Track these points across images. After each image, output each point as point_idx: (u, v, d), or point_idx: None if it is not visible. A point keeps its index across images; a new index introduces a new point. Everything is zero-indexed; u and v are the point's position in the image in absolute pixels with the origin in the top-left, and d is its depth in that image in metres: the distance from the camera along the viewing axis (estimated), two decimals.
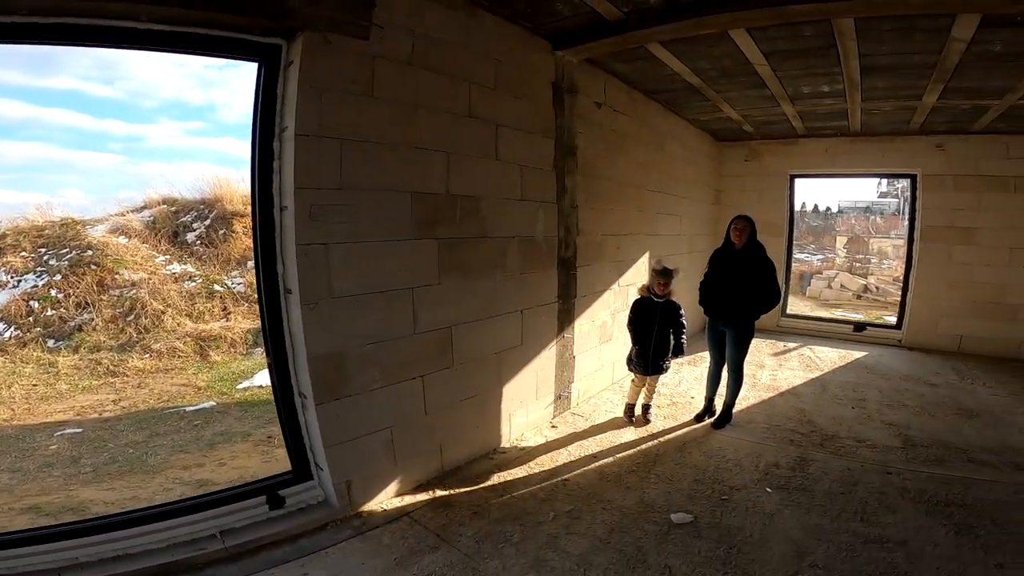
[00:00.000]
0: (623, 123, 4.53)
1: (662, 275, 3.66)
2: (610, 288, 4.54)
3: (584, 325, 4.18)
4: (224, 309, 8.05)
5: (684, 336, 3.76)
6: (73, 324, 7.27)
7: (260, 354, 7.09)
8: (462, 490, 2.89)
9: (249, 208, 9.74)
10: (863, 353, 5.93)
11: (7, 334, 7.07)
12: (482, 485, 2.94)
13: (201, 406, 5.24)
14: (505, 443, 3.45)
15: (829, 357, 5.77)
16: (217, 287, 8.36)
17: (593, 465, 3.21)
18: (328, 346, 2.41)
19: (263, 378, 6.08)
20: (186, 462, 3.88)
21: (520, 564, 2.26)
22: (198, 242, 9.38)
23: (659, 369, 3.75)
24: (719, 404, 3.94)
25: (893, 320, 7.01)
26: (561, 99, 3.69)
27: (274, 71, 2.32)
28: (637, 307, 3.75)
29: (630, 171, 4.72)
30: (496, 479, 3.01)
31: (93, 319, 7.31)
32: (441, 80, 2.83)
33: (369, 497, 2.68)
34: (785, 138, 6.66)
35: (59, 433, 4.60)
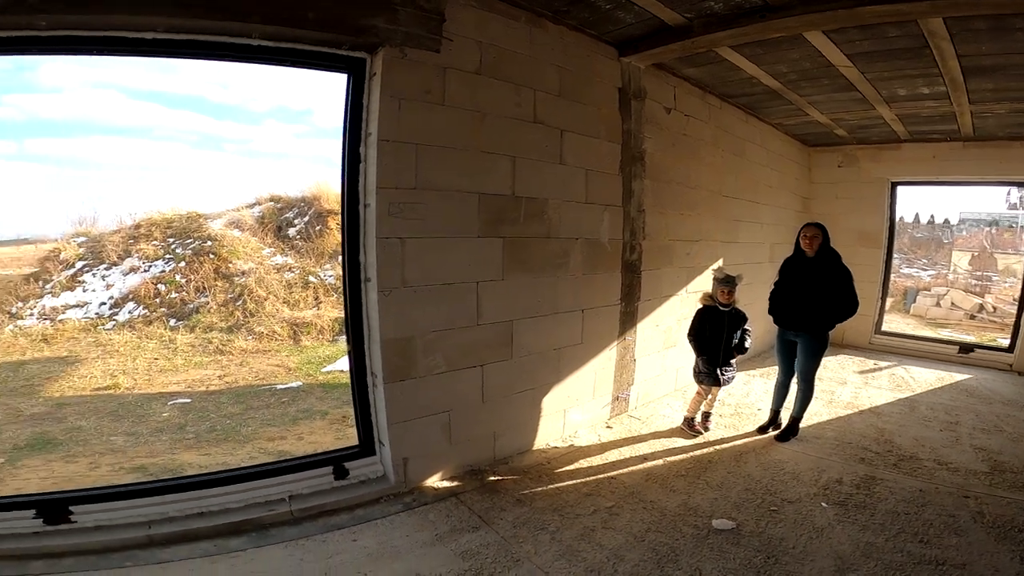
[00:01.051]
0: (696, 128, 4.45)
1: (725, 283, 3.57)
2: (677, 294, 4.48)
3: (647, 329, 4.16)
4: (316, 299, 8.81)
5: (749, 341, 3.67)
6: (192, 306, 8.31)
7: (344, 341, 7.68)
8: (509, 478, 2.99)
9: (340, 206, 10.70)
10: (965, 376, 5.36)
11: (136, 312, 8.23)
12: (529, 475, 3.03)
13: (290, 385, 5.82)
14: (557, 438, 3.51)
15: (924, 378, 5.29)
16: (311, 278, 9.15)
17: (641, 466, 3.21)
18: (398, 331, 2.65)
19: (345, 363, 6.60)
20: (271, 434, 4.32)
21: (552, 551, 2.34)
22: (298, 237, 10.32)
23: (726, 380, 3.67)
24: (785, 417, 3.78)
25: (1007, 343, 6.24)
26: (628, 104, 3.72)
27: (360, 82, 2.60)
28: (702, 316, 3.67)
29: (704, 176, 4.62)
30: (544, 471, 3.09)
31: (208, 302, 8.30)
32: (507, 88, 2.98)
33: (423, 476, 2.87)
34: (885, 143, 6.15)
35: (171, 402, 5.30)
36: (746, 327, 3.65)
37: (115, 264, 9.18)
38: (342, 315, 8.23)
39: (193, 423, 4.70)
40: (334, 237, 10.32)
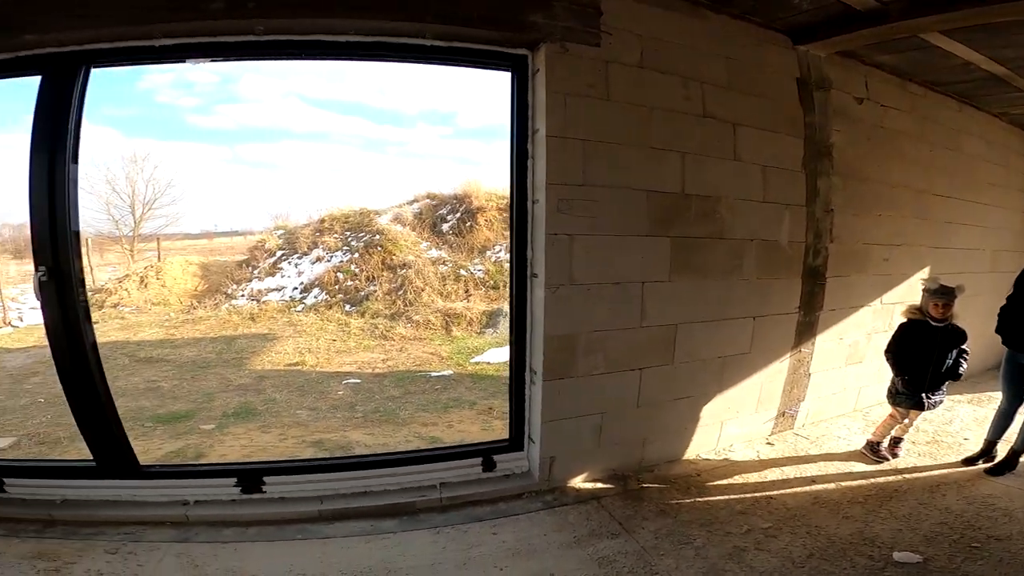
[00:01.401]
0: (895, 119, 3.78)
1: (940, 295, 2.95)
2: (868, 304, 3.87)
3: (828, 342, 3.68)
4: (466, 291, 9.31)
5: (964, 366, 3.07)
6: (363, 294, 9.31)
7: (491, 334, 8.02)
8: (654, 486, 2.87)
9: (489, 203, 11.22)
10: None
11: (320, 297, 9.45)
12: (676, 486, 2.88)
13: (442, 373, 6.21)
14: (710, 450, 3.31)
15: None
16: (463, 272, 9.70)
17: (808, 488, 2.89)
18: (562, 328, 2.64)
19: (492, 356, 6.89)
20: (425, 420, 4.62)
21: (695, 568, 2.17)
22: (450, 232, 11.01)
23: (932, 404, 3.09)
24: (1002, 449, 3.09)
25: None
26: (809, 95, 3.30)
27: (524, 79, 2.62)
28: (906, 331, 3.10)
29: (906, 173, 3.91)
30: (692, 483, 2.92)
31: (376, 291, 9.24)
32: (672, 81, 2.82)
33: (567, 476, 2.84)
34: None
35: (345, 382, 5.93)
36: (964, 348, 3.03)
37: (305, 254, 10.66)
38: (490, 308, 8.65)
39: (361, 403, 5.22)
40: (483, 233, 10.83)
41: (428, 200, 11.66)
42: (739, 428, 3.40)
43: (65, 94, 2.28)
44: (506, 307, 8.55)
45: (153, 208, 17.33)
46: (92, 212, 15.86)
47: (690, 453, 3.23)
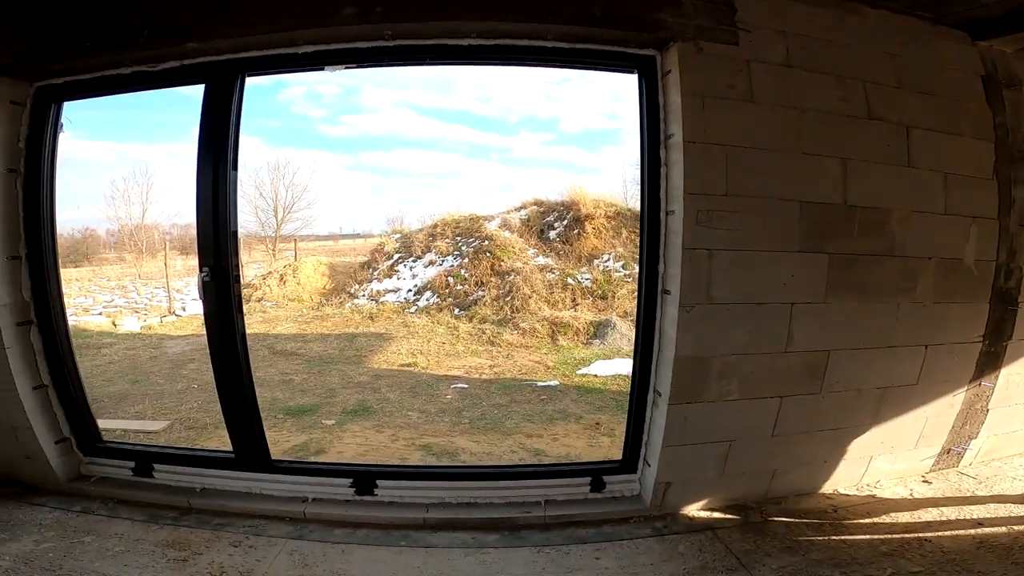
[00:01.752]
0: None
1: None
2: None
3: (1017, 375, 3.10)
4: (573, 300, 9.14)
5: None
6: (472, 298, 9.51)
7: (598, 345, 7.76)
8: (780, 520, 2.58)
9: (596, 211, 10.95)
10: None
11: (432, 300, 9.80)
12: (807, 521, 2.57)
13: (548, 383, 6.10)
14: (852, 485, 2.93)
15: None
16: (569, 280, 9.54)
17: (972, 531, 2.45)
18: (695, 350, 2.46)
19: (599, 368, 6.64)
20: (530, 431, 4.54)
21: None
22: (557, 239, 10.91)
23: None
24: None
25: None
26: (998, 94, 2.80)
27: (653, 81, 2.47)
28: None
29: None
30: (827, 519, 2.60)
31: (484, 296, 9.39)
32: (827, 81, 2.50)
33: (681, 503, 2.66)
34: None
35: (453, 386, 6.03)
36: None
37: (419, 257, 11.18)
38: (597, 319, 8.39)
39: (468, 408, 5.28)
40: (590, 241, 10.60)
41: (535, 207, 11.68)
42: (890, 464, 2.97)
43: (225, 101, 2.48)
44: (615, 318, 8.26)
45: (291, 212, 19.50)
46: (243, 215, 18.26)
47: (827, 487, 2.88)
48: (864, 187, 2.56)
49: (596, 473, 2.72)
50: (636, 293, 2.78)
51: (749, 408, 2.58)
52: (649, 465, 2.64)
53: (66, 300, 2.93)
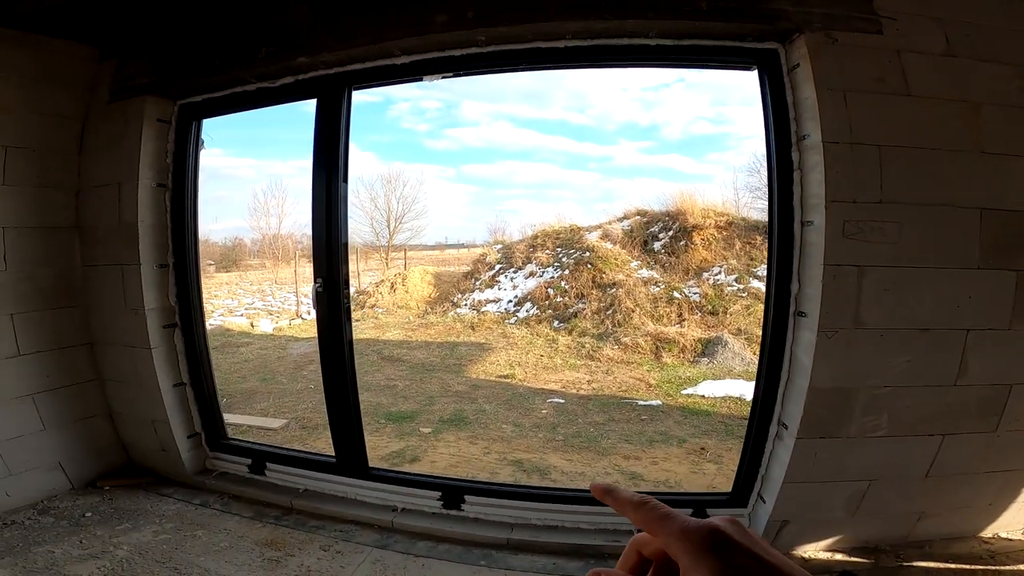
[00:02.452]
0: None
1: None
2: None
3: None
4: (680, 315, 8.54)
5: None
6: (571, 311, 9.30)
7: (707, 364, 7.16)
8: (921, 564, 2.26)
9: (706, 221, 10.21)
10: None
11: (531, 312, 9.73)
12: (954, 566, 2.28)
13: (650, 403, 5.70)
14: (1015, 528, 2.51)
15: None
16: (676, 294, 8.96)
17: None
18: (836, 380, 2.16)
19: (706, 388, 6.10)
20: (627, 452, 4.26)
21: None
22: (662, 251, 10.33)
23: None
24: None
25: None
26: None
27: (777, 77, 2.22)
28: None
29: None
30: (980, 565, 2.29)
31: (585, 309, 9.13)
32: (1001, 71, 2.08)
33: (797, 542, 2.39)
34: None
35: (549, 400, 5.87)
36: None
37: (520, 268, 11.20)
38: (707, 336, 7.75)
39: (563, 425, 5.08)
40: (699, 253, 9.90)
41: (639, 216, 11.18)
42: None
43: (335, 114, 2.60)
44: (726, 336, 7.57)
45: (402, 222, 20.84)
46: (360, 225, 19.84)
47: (987, 532, 2.47)
48: None
49: (699, 504, 2.50)
50: (749, 309, 2.53)
51: (900, 445, 2.23)
52: (764, 501, 2.38)
53: (215, 302, 3.24)
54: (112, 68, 2.82)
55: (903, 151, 2.05)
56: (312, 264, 2.78)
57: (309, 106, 2.73)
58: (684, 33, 2.20)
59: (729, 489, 2.53)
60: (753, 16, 2.09)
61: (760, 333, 2.60)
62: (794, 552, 2.38)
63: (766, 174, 2.34)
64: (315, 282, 2.71)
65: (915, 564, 2.29)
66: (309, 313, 11.95)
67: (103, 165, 2.82)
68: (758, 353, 2.58)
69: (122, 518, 2.57)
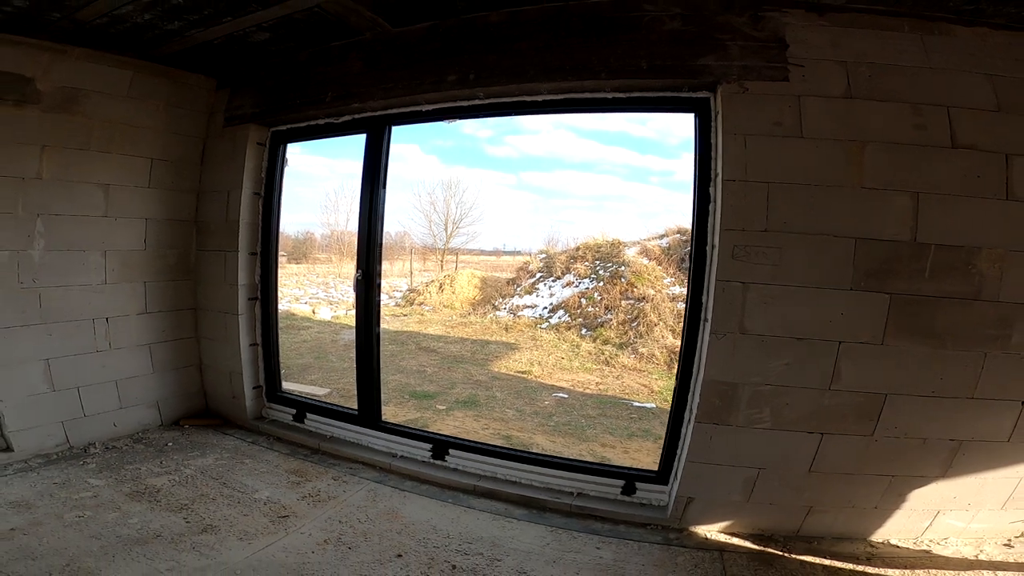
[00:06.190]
0: None
1: None
2: None
3: None
4: None
5: None
6: (599, 321, 9.83)
7: None
8: (800, 557, 2.50)
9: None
10: None
11: (563, 319, 10.34)
12: (828, 563, 2.46)
13: (644, 405, 6.21)
14: (907, 537, 2.67)
15: None
16: None
17: None
18: (723, 375, 2.57)
19: None
20: (605, 441, 4.81)
21: None
22: None
23: None
24: None
25: None
26: None
27: (707, 122, 2.66)
28: None
29: None
30: (858, 566, 2.46)
31: (611, 319, 9.64)
32: (898, 109, 2.40)
33: (700, 521, 2.71)
34: None
35: (554, 395, 6.51)
36: None
37: (559, 278, 11.83)
38: None
39: (559, 415, 5.71)
40: None
41: (678, 235, 11.52)
42: (965, 522, 2.66)
43: (379, 144, 3.39)
44: None
45: (459, 226, 21.97)
46: (420, 227, 21.19)
47: (878, 535, 2.69)
48: (941, 223, 2.39)
49: (630, 478, 2.95)
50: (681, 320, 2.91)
51: (783, 439, 2.57)
52: (676, 479, 2.78)
53: (283, 290, 4.17)
54: (225, 97, 3.71)
55: (788, 187, 2.42)
56: (356, 258, 3.59)
57: None
58: (632, 88, 2.70)
59: (656, 468, 2.95)
60: (683, 72, 2.54)
61: None
62: (696, 528, 2.71)
63: (691, 204, 2.78)
64: (357, 271, 3.53)
65: (795, 556, 2.53)
66: None
67: (217, 176, 3.73)
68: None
69: (194, 448, 3.35)
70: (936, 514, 2.66)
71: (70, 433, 3.24)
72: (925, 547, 2.64)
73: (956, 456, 2.55)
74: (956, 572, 2.42)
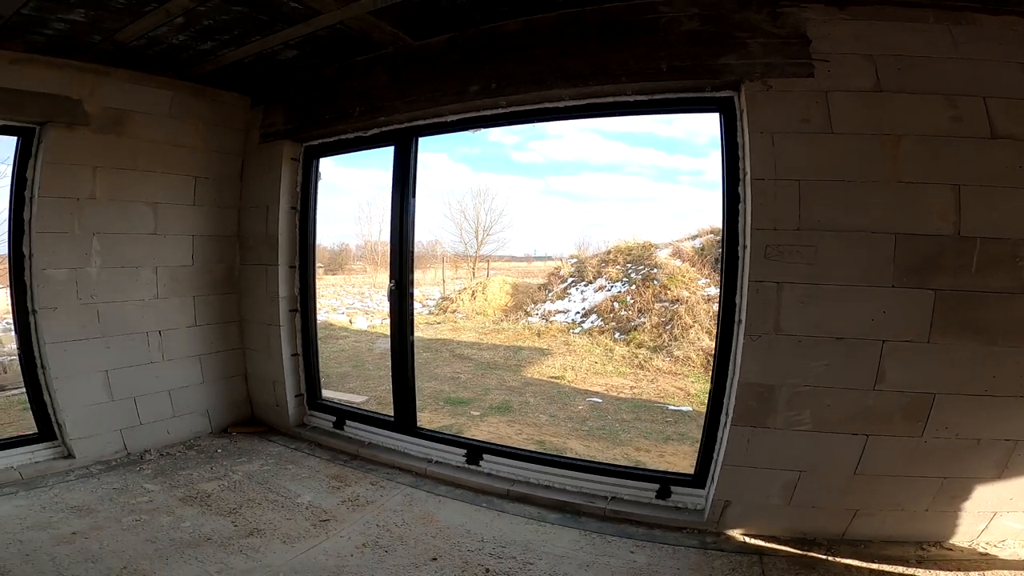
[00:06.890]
0: None
1: None
2: None
3: None
4: None
5: None
6: (632, 324, 9.73)
7: None
8: (845, 561, 2.42)
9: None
10: None
11: (595, 323, 10.28)
12: (876, 567, 2.37)
13: (680, 408, 6.13)
14: (962, 540, 2.55)
15: None
16: None
17: None
18: (759, 377, 2.54)
19: None
20: (640, 445, 4.77)
21: None
22: None
23: None
24: None
25: None
26: None
27: (732, 120, 2.64)
28: None
29: None
30: (908, 568, 2.37)
31: (645, 323, 9.53)
32: (931, 101, 2.33)
33: (738, 524, 2.66)
34: None
35: (588, 399, 6.48)
36: None
37: (590, 282, 11.78)
38: None
39: (593, 419, 5.69)
40: None
41: (712, 235, 11.31)
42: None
43: (407, 155, 3.49)
44: None
45: (489, 233, 22.17)
46: (450, 235, 21.51)
47: (930, 538, 2.59)
48: (986, 215, 2.31)
49: (666, 482, 2.92)
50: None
51: (825, 441, 2.52)
52: (712, 482, 2.74)
53: (321, 301, 4.31)
54: (260, 114, 3.87)
55: (820, 184, 2.38)
56: (389, 269, 3.69)
57: None
58: (654, 90, 2.71)
59: (692, 472, 2.90)
60: (703, 73, 2.53)
61: None
62: (733, 532, 2.65)
63: (720, 204, 2.76)
64: (390, 282, 3.63)
65: (839, 560, 2.46)
66: None
67: (256, 191, 3.90)
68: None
69: (241, 455, 3.51)
70: (992, 516, 2.54)
71: (127, 440, 3.43)
72: (981, 550, 2.54)
73: (1012, 456, 2.44)
74: (1013, 573, 2.32)
